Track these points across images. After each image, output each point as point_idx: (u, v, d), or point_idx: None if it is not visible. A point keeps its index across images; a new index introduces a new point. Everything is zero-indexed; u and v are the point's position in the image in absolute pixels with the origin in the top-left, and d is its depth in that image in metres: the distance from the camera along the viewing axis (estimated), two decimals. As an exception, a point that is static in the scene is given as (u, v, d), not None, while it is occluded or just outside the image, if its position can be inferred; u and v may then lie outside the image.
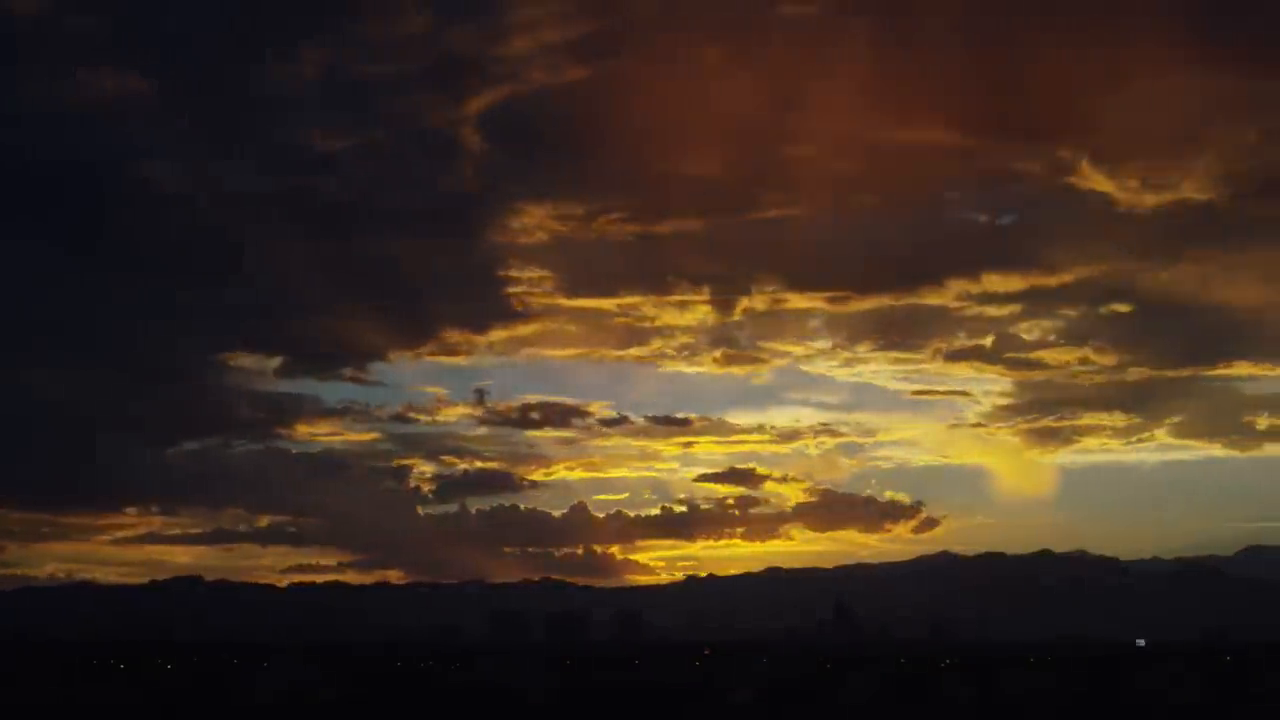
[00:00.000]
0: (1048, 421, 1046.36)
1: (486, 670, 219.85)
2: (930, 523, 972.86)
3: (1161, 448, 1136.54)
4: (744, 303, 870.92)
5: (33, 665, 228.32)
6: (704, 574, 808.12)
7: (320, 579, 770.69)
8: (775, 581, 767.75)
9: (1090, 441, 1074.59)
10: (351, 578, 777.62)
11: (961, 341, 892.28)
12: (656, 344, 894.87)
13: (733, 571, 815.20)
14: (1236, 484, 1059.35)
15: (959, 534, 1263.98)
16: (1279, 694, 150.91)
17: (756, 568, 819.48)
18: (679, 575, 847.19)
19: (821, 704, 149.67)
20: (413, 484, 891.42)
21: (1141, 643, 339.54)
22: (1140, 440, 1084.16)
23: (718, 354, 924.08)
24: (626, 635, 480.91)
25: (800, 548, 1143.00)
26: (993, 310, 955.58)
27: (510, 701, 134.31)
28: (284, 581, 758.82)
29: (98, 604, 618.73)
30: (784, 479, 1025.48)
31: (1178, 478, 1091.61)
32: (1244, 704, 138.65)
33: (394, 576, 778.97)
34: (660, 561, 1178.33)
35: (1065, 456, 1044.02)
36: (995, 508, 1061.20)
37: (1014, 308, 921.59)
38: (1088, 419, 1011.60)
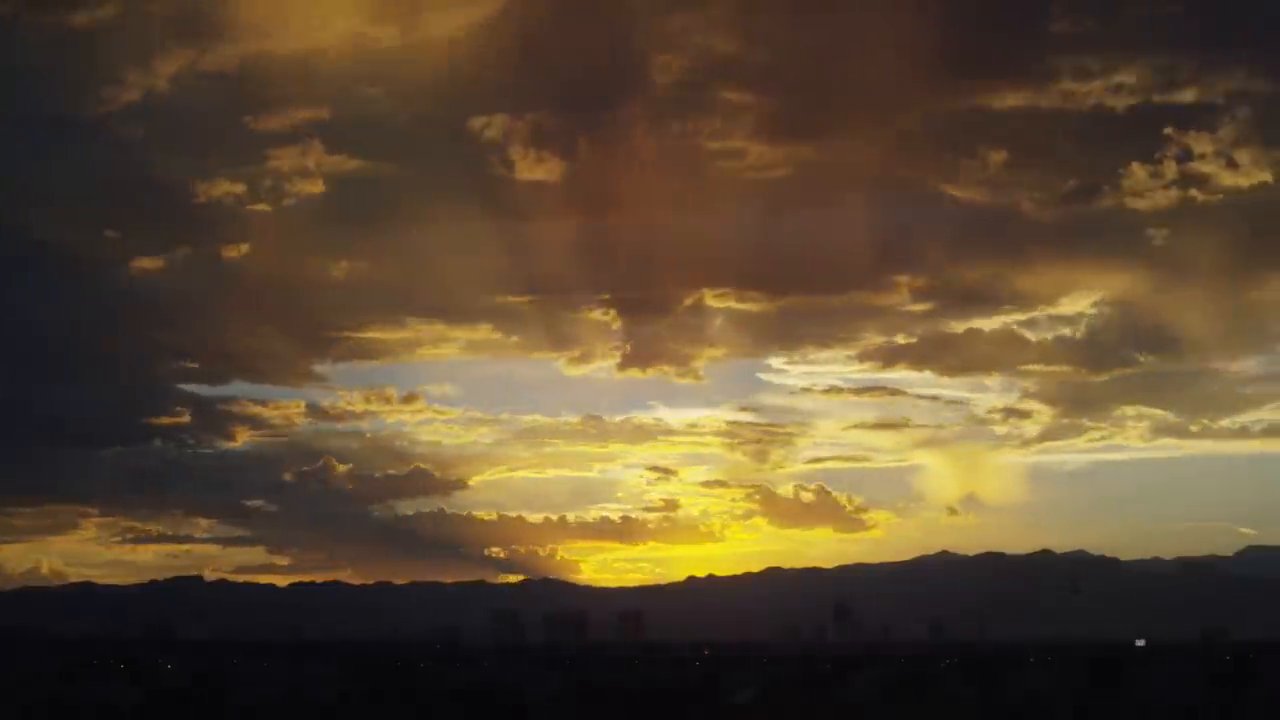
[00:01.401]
0: (991, 420, 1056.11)
1: (487, 670, 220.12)
2: (861, 523, 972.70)
3: (1148, 446, 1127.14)
4: (666, 303, 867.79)
5: (33, 665, 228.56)
6: (703, 574, 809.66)
7: (264, 579, 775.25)
8: (775, 581, 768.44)
9: (1069, 442, 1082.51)
10: (300, 578, 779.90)
11: (891, 341, 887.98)
12: (579, 346, 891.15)
13: (723, 573, 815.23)
14: (1237, 483, 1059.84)
15: (958, 534, 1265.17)
16: (1279, 694, 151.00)
17: (719, 570, 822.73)
18: (642, 577, 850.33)
19: (821, 704, 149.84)
20: (349, 485, 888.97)
21: (1141, 643, 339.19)
22: (1092, 440, 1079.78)
23: (636, 354, 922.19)
24: (627, 636, 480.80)
25: (756, 548, 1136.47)
26: (917, 309, 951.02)
27: (510, 701, 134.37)
28: (215, 578, 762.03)
29: (97, 603, 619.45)
30: (717, 482, 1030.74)
31: (1179, 477, 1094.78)
32: (1244, 704, 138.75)
33: (343, 578, 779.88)
34: (620, 563, 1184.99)
35: (1011, 456, 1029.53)
36: (934, 508, 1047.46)
37: (927, 305, 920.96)
38: (1033, 419, 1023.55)
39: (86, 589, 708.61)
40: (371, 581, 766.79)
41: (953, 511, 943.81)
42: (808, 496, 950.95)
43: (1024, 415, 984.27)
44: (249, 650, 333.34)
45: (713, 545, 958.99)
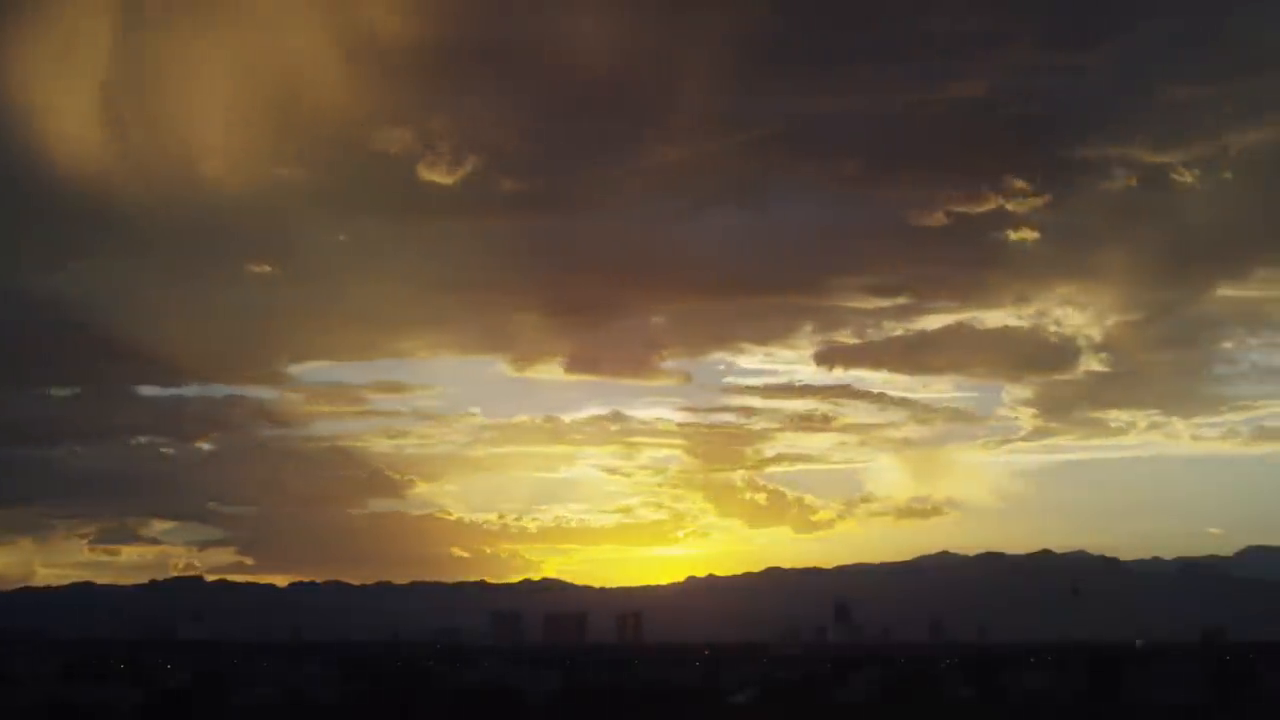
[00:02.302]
0: (941, 420, 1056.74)
1: (487, 670, 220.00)
2: (818, 524, 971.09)
3: (1133, 446, 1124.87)
4: (614, 305, 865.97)
5: (33, 665, 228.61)
6: (703, 574, 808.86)
7: (236, 578, 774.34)
8: (775, 581, 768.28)
9: (1043, 443, 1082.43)
10: (275, 579, 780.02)
11: (848, 341, 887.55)
12: (520, 347, 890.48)
13: (724, 573, 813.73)
14: (1237, 483, 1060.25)
15: (959, 533, 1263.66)
16: (1279, 694, 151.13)
17: (698, 571, 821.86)
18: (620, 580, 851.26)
19: (821, 704, 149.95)
20: (311, 487, 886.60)
21: (1141, 643, 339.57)
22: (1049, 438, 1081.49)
23: (583, 356, 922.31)
24: (626, 636, 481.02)
25: (721, 549, 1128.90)
26: (862, 309, 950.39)
27: (510, 701, 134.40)
28: (211, 577, 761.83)
29: (99, 604, 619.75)
30: (673, 483, 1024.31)
31: (1177, 475, 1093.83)
32: (1243, 704, 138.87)
33: (309, 577, 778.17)
34: (588, 565, 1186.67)
35: (978, 455, 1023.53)
36: (893, 507, 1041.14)
37: (869, 302, 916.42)
38: (1001, 419, 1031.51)
39: (85, 589, 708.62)
40: (372, 581, 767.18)
41: (910, 512, 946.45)
42: (763, 497, 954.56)
43: (989, 416, 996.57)
44: (249, 650, 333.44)
45: (677, 545, 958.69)
